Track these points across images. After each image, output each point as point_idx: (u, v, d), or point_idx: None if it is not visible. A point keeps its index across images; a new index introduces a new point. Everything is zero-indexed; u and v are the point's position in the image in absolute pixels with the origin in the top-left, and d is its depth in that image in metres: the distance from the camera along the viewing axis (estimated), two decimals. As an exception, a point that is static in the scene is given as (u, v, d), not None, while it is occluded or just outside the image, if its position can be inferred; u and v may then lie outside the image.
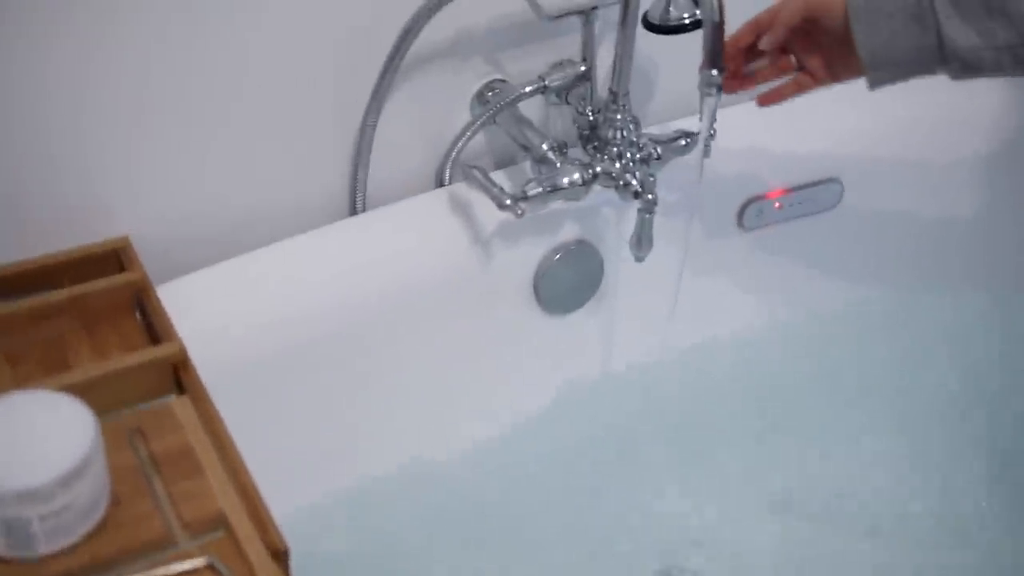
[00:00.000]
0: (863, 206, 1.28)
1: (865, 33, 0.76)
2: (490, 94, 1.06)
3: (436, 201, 1.06)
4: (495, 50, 1.05)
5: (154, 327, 0.84)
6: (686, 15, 0.94)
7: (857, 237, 1.30)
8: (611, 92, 0.96)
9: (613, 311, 1.20)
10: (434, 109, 1.05)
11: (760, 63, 0.88)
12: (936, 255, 1.32)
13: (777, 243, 1.27)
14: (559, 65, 1.08)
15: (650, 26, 0.93)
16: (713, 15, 0.79)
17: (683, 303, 1.20)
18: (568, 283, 1.14)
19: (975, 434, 1.16)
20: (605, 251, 1.15)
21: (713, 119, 0.86)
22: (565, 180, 0.97)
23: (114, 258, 0.90)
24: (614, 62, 0.94)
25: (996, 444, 1.15)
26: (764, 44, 0.85)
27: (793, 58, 0.86)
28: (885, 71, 0.78)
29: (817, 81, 0.85)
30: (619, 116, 0.97)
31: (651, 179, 0.96)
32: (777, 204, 1.25)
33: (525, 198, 0.96)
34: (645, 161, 1.01)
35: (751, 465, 1.14)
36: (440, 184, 1.09)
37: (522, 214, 0.94)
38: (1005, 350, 1.24)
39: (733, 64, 0.87)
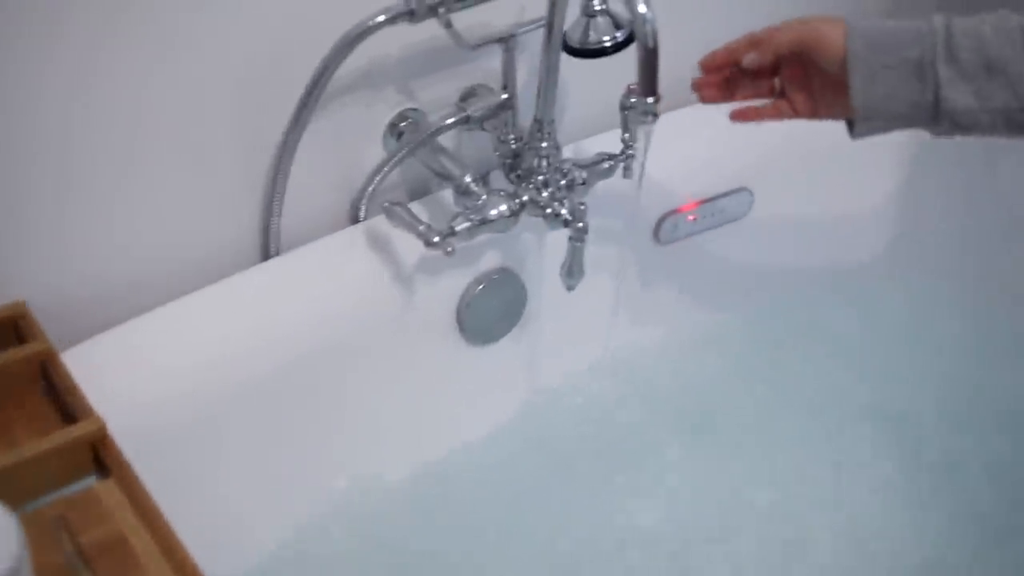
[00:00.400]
0: (773, 214, 1.29)
1: (862, 83, 0.74)
2: (403, 124, 1.02)
3: (353, 239, 1.02)
4: (406, 79, 1.00)
5: (65, 402, 0.77)
6: (606, 38, 0.91)
7: (768, 244, 1.31)
8: (535, 120, 0.93)
9: (539, 335, 1.17)
10: (346, 144, 1.00)
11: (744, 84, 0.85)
12: (846, 260, 1.35)
13: (693, 254, 1.27)
14: (473, 91, 1.05)
15: (570, 50, 0.91)
16: (647, 41, 0.76)
17: (605, 320, 1.19)
18: (493, 313, 1.11)
19: (887, 438, 1.18)
20: (527, 277, 1.12)
21: (648, 146, 0.84)
22: (493, 212, 0.94)
23: (11, 327, 0.82)
24: (538, 89, 0.91)
25: (906, 448, 1.17)
26: (747, 62, 0.82)
27: (777, 82, 0.84)
28: (875, 122, 0.76)
29: (796, 113, 0.82)
30: (544, 144, 0.94)
31: (581, 207, 0.93)
32: (691, 217, 1.24)
33: (453, 234, 0.92)
34: (570, 187, 0.98)
35: (687, 470, 1.14)
36: (355, 220, 1.04)
37: (452, 252, 0.90)
38: (916, 354, 1.27)
39: (718, 74, 0.85)
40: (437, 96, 1.04)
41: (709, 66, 0.85)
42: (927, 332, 1.29)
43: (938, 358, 1.26)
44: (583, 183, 0.99)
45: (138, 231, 0.91)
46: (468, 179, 0.96)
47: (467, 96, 1.05)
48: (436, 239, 0.90)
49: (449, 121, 0.94)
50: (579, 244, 0.94)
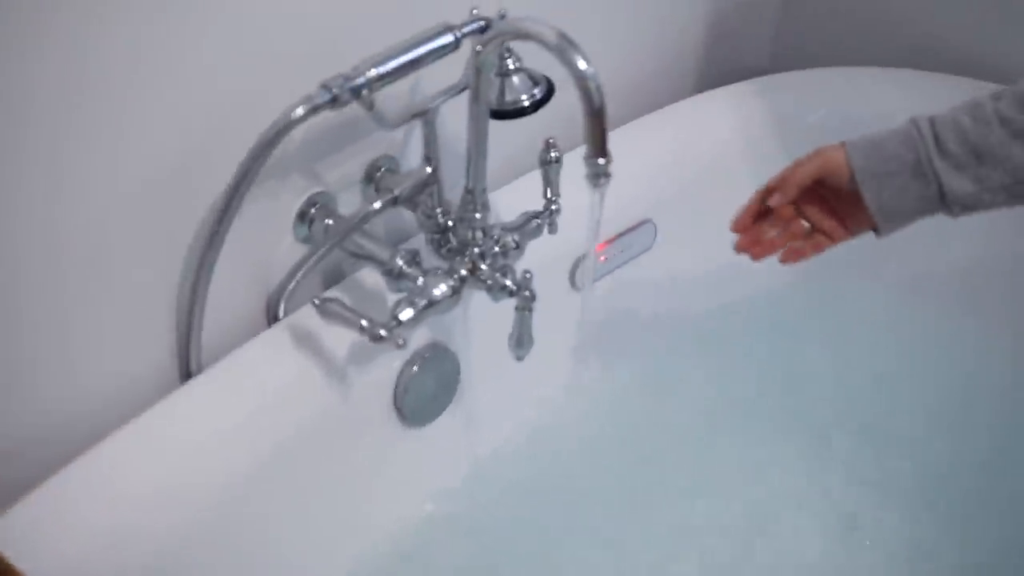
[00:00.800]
0: (676, 240, 1.28)
1: (873, 192, 0.81)
2: (313, 210, 0.95)
3: (276, 341, 0.94)
4: (309, 162, 0.93)
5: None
6: (524, 97, 0.87)
7: (674, 273, 1.30)
8: (467, 191, 0.88)
9: (476, 405, 1.12)
10: (257, 240, 0.92)
11: (771, 231, 0.90)
12: (754, 279, 1.35)
13: (609, 295, 1.25)
14: (376, 165, 0.98)
15: (490, 113, 0.87)
16: (593, 100, 0.73)
17: (541, 379, 1.15)
18: (429, 391, 1.05)
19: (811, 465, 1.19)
20: (457, 348, 1.07)
21: (601, 207, 0.80)
22: (436, 293, 0.88)
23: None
24: (468, 159, 0.86)
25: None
26: (773, 202, 0.87)
27: (804, 222, 0.88)
28: (894, 222, 0.83)
29: (835, 239, 0.88)
30: (478, 215, 0.89)
31: (527, 275, 0.88)
32: (602, 257, 1.22)
33: (399, 324, 0.85)
34: (505, 254, 0.93)
35: (638, 522, 1.11)
36: (275, 319, 0.95)
37: (404, 344, 0.84)
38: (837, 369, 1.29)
39: (748, 233, 0.90)
40: (342, 175, 0.97)
41: (741, 227, 0.90)
42: (844, 362, 1.30)
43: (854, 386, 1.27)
44: (516, 247, 0.94)
45: (45, 374, 0.80)
46: (400, 261, 0.89)
47: (372, 171, 0.99)
48: (383, 333, 0.83)
49: (376, 206, 0.87)
50: (527, 313, 0.90)
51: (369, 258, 0.92)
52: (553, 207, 0.99)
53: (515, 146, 1.03)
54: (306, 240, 0.97)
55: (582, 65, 0.72)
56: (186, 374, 0.90)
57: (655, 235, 1.28)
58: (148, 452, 0.84)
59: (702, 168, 1.28)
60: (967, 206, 0.79)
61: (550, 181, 0.97)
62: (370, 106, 0.78)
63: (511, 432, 1.17)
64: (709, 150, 1.28)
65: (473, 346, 1.08)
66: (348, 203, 0.99)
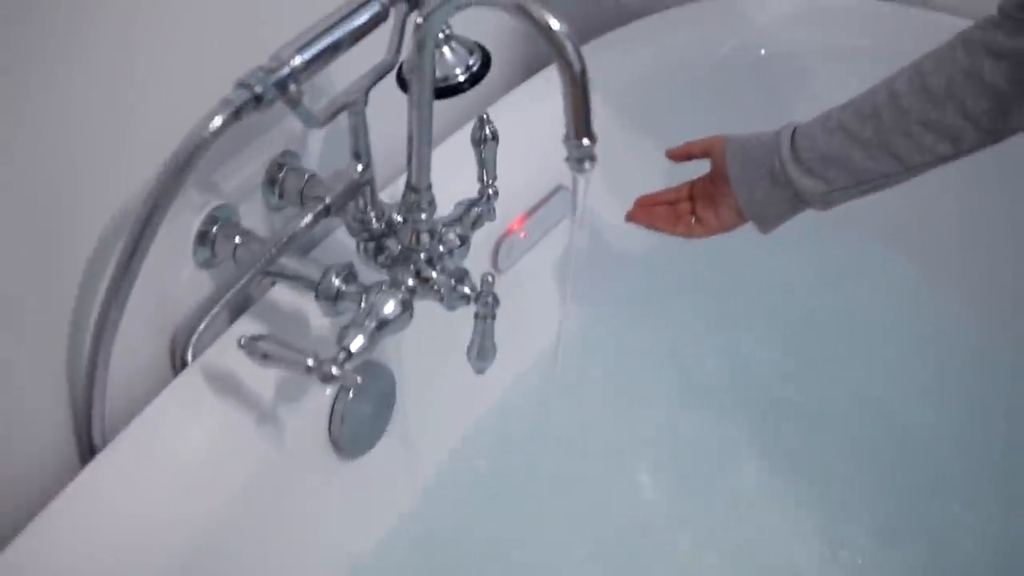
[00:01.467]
0: (592, 207, 1.18)
1: (745, 197, 0.89)
2: (214, 229, 0.79)
3: (189, 392, 0.78)
4: (202, 172, 0.77)
5: None
6: (459, 71, 0.74)
7: (598, 241, 1.20)
8: (410, 188, 0.74)
9: (415, 420, 0.99)
10: (151, 276, 0.75)
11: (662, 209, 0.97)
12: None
13: (531, 272, 1.14)
14: (278, 165, 0.83)
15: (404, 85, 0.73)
16: (574, 65, 0.61)
17: (477, 386, 1.03)
18: (366, 416, 0.92)
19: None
20: (390, 360, 0.93)
21: (585, 197, 0.68)
22: (386, 312, 0.74)
23: None
24: (409, 150, 0.72)
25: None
26: (669, 153, 0.97)
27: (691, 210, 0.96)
28: (769, 222, 0.90)
29: (707, 231, 0.94)
30: (423, 215, 0.75)
31: (489, 278, 0.76)
32: (523, 234, 1.10)
33: (350, 356, 0.71)
34: (451, 253, 0.80)
35: (596, 543, 1.03)
36: (183, 364, 0.79)
37: (360, 383, 0.70)
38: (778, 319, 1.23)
39: (643, 208, 0.98)
40: (241, 182, 0.81)
41: (644, 201, 0.98)
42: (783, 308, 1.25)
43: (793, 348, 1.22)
44: (461, 243, 0.81)
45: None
46: (336, 280, 0.75)
47: (273, 172, 0.84)
48: (335, 372, 0.69)
49: (306, 221, 0.72)
50: (490, 320, 0.78)
51: (294, 279, 0.77)
52: (490, 191, 0.86)
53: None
54: (208, 264, 0.81)
55: (554, 24, 0.60)
56: (88, 450, 0.73)
57: (566, 204, 1.17)
58: (53, 558, 0.68)
59: (608, 119, 1.17)
60: (826, 202, 0.87)
61: (486, 162, 0.84)
62: (297, 102, 0.63)
63: (456, 444, 1.05)
64: (614, 98, 1.18)
65: (407, 355, 0.95)
66: (252, 213, 0.83)
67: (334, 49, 0.64)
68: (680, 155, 0.96)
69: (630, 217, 0.98)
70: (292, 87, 0.61)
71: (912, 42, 0.87)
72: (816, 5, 1.25)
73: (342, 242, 0.90)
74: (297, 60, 0.61)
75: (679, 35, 1.22)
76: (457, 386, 1.02)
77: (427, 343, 0.91)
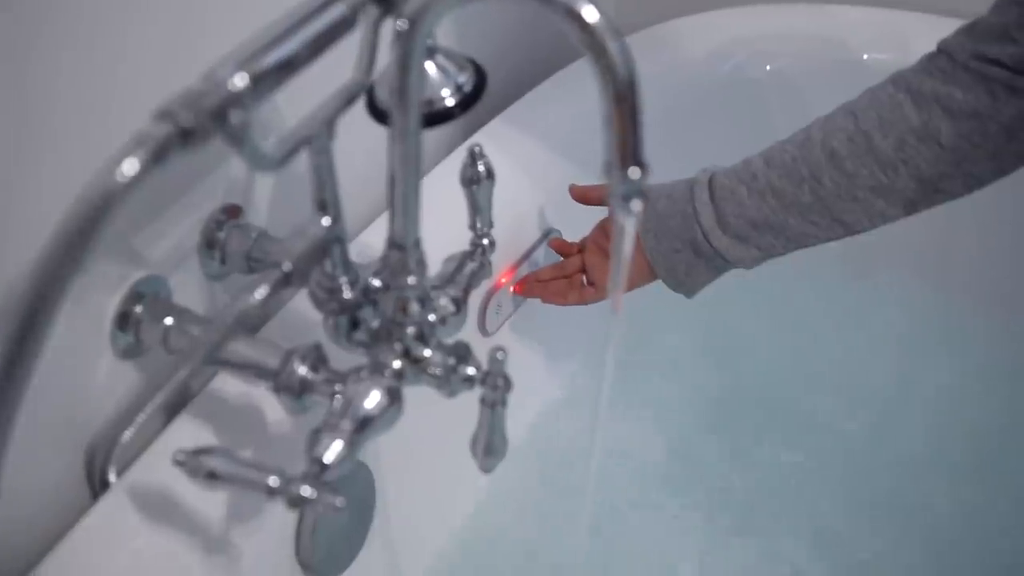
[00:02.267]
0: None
1: (664, 269, 0.81)
2: (139, 308, 0.62)
3: (115, 521, 0.60)
4: (122, 238, 0.60)
5: None
6: (446, 92, 0.58)
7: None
8: (394, 246, 0.57)
9: (399, 524, 0.82)
10: (57, 373, 0.57)
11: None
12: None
13: (519, 333, 0.97)
14: (219, 222, 0.66)
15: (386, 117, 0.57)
16: (622, 76, 0.45)
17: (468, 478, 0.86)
18: (341, 528, 0.74)
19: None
20: (366, 454, 0.76)
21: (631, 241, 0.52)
22: (368, 406, 0.57)
23: None
24: (392, 196, 0.55)
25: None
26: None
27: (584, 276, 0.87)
28: (693, 289, 0.82)
29: (600, 296, 0.86)
30: (411, 279, 0.58)
31: (499, 355, 0.59)
32: (512, 288, 0.94)
33: (324, 469, 0.54)
34: (443, 322, 0.64)
35: None
36: (103, 486, 0.61)
37: (342, 504, 0.53)
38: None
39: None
40: (171, 246, 0.64)
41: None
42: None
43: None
44: (456, 311, 0.65)
45: None
46: (301, 367, 0.58)
47: (212, 231, 0.66)
48: (307, 491, 0.52)
49: (258, 295, 0.54)
50: (500, 408, 0.61)
51: (245, 368, 0.60)
52: (485, 242, 0.70)
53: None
54: (132, 353, 0.63)
55: (590, 16, 0.44)
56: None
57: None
58: None
59: (595, 156, 1.01)
60: (757, 263, 0.79)
61: (480, 207, 0.68)
62: (241, 137, 0.46)
63: (444, 545, 0.88)
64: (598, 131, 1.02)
65: (387, 445, 0.78)
66: (186, 286, 0.66)
67: (287, 66, 0.47)
68: (579, 197, 0.87)
69: (520, 290, 0.91)
70: (233, 116, 0.44)
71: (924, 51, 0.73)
72: (820, 17, 1.11)
73: (304, 316, 0.73)
74: (238, 80, 0.44)
75: (681, 49, 1.07)
76: (447, 477, 0.86)
77: (410, 427, 0.74)
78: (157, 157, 0.42)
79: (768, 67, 1.08)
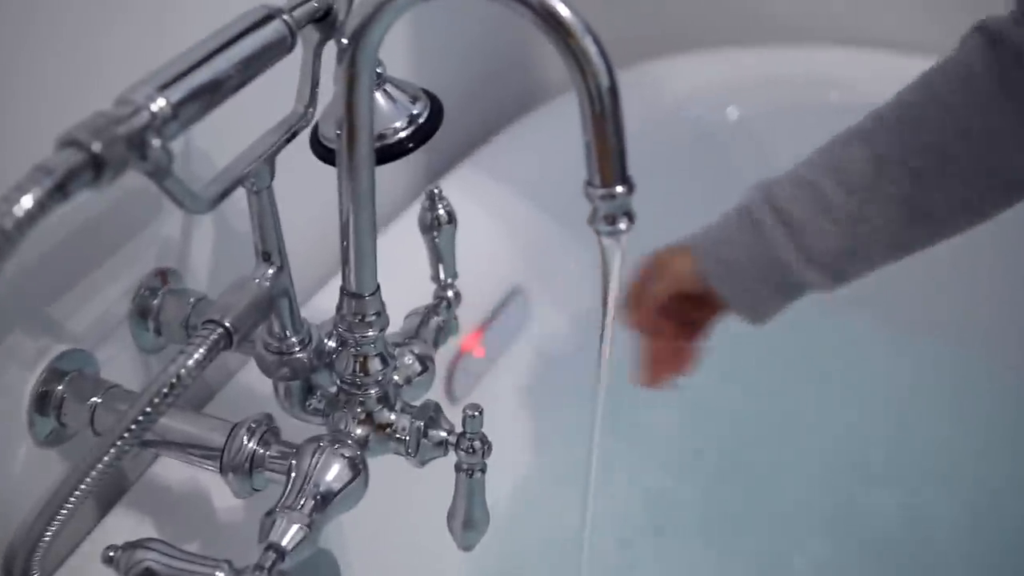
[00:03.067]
0: (552, 312, 0.96)
1: (750, 315, 0.74)
2: (60, 387, 0.54)
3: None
4: (37, 304, 0.53)
5: None
6: (399, 124, 0.52)
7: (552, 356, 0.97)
8: (348, 296, 0.51)
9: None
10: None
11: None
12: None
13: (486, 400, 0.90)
14: (152, 287, 0.59)
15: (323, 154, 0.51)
16: (602, 85, 0.40)
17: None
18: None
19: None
20: (330, 538, 0.68)
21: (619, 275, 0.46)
22: (331, 481, 0.50)
23: None
24: (344, 244, 0.49)
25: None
26: (632, 326, 0.79)
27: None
28: (773, 318, 0.75)
29: (695, 345, 0.79)
30: (371, 332, 0.51)
31: (474, 414, 0.52)
32: (479, 351, 0.88)
33: (282, 556, 0.47)
34: (409, 382, 0.57)
35: None
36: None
37: (304, 595, 0.45)
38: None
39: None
40: (98, 316, 0.57)
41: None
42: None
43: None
44: (423, 370, 0.58)
45: None
46: (250, 442, 0.51)
47: (145, 298, 0.59)
48: (263, 585, 0.44)
49: (191, 363, 0.47)
50: (479, 474, 0.54)
51: (187, 448, 0.52)
52: (450, 294, 0.63)
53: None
54: (55, 439, 0.56)
55: (564, 12, 0.39)
56: None
57: (526, 305, 0.95)
58: None
59: (567, 205, 0.96)
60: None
61: (442, 254, 0.62)
62: (165, 171, 0.39)
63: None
64: (571, 168, 0.97)
65: (352, 524, 0.70)
66: (116, 360, 0.58)
67: (213, 89, 0.41)
68: (647, 322, 0.78)
69: (648, 383, 0.80)
70: (154, 144, 0.38)
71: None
72: (781, 62, 1.08)
73: (251, 387, 0.66)
74: (161, 102, 0.38)
75: (647, 96, 1.03)
76: (421, 558, 0.78)
77: (378, 502, 0.66)
78: (60, 190, 0.35)
79: (736, 114, 1.05)
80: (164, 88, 0.39)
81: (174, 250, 0.61)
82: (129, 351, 0.59)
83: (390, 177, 0.61)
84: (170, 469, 0.60)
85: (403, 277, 0.61)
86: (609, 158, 0.42)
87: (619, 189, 0.42)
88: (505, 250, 0.90)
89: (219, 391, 0.66)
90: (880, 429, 1.02)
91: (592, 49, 0.39)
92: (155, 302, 0.59)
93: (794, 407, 1.04)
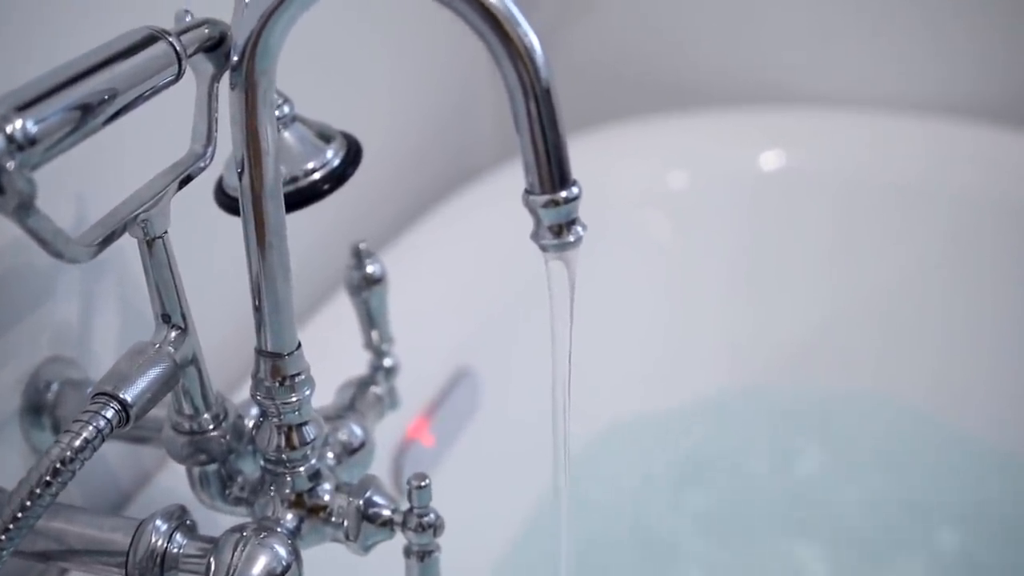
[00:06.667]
0: (504, 387, 0.90)
1: None
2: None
3: None
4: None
5: None
6: (312, 165, 0.47)
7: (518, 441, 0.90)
8: (266, 356, 0.44)
9: None
10: None
11: None
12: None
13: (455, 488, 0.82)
14: (43, 382, 0.52)
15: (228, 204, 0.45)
16: (540, 80, 0.35)
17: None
18: None
19: None
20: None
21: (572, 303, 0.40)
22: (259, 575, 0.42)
23: None
24: (257, 299, 0.43)
25: None
26: None
27: None
28: None
29: None
30: (295, 398, 0.45)
31: (420, 484, 0.45)
32: (428, 439, 0.80)
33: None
34: (348, 457, 0.50)
35: None
36: None
37: None
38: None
39: None
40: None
41: None
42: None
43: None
44: (360, 446, 0.51)
45: None
46: (159, 540, 0.43)
47: (40, 394, 0.52)
48: None
49: (73, 446, 0.39)
50: (434, 555, 0.46)
51: (87, 556, 0.45)
52: (386, 363, 0.57)
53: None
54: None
55: (502, 10, 0.35)
56: None
57: (475, 391, 0.88)
58: None
59: (519, 283, 0.91)
60: None
61: (374, 317, 0.56)
62: (27, 204, 0.33)
63: None
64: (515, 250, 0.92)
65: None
66: (6, 463, 0.50)
67: (84, 113, 0.35)
68: None
69: None
70: (8, 167, 0.32)
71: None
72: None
73: (174, 491, 0.58)
74: (18, 123, 0.32)
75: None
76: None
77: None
78: None
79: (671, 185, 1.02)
80: (23, 109, 0.33)
81: (71, 336, 0.54)
82: (19, 452, 0.51)
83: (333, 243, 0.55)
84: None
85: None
86: (550, 160, 0.37)
87: (563, 194, 0.37)
88: (450, 325, 0.83)
89: (135, 496, 0.58)
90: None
91: (528, 40, 0.35)
92: (49, 396, 0.52)
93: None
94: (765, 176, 1.04)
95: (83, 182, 0.50)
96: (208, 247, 0.53)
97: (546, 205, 0.37)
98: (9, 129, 0.33)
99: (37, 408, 0.52)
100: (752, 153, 1.04)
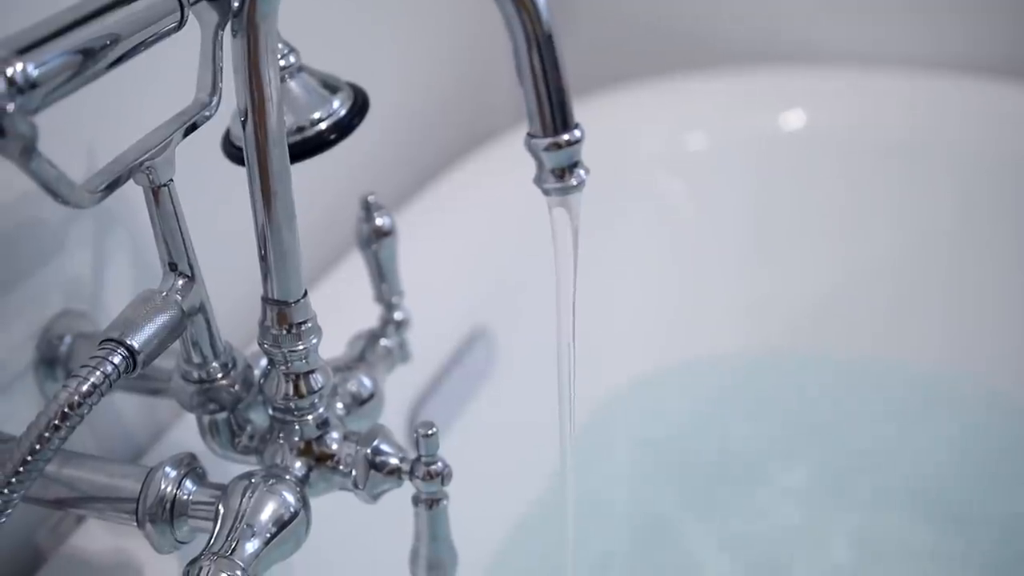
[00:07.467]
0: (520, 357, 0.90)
1: None
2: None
3: None
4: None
5: None
6: (318, 115, 0.47)
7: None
8: (272, 304, 0.44)
9: None
10: None
11: None
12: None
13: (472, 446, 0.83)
14: (56, 332, 0.52)
15: (234, 154, 0.45)
16: (542, 25, 0.35)
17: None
18: None
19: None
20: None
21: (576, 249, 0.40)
22: (267, 521, 0.43)
23: None
24: (263, 248, 0.43)
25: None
26: None
27: None
28: None
29: None
30: (302, 346, 0.45)
31: (428, 433, 0.45)
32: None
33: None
34: (360, 407, 0.50)
35: None
36: None
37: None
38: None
39: None
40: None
41: None
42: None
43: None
44: (370, 397, 0.51)
45: None
46: (169, 487, 0.44)
47: (52, 347, 0.53)
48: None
49: (80, 391, 0.40)
50: (443, 504, 0.47)
51: (97, 502, 0.45)
52: (396, 316, 0.57)
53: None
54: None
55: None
56: None
57: (487, 353, 0.88)
58: None
59: (535, 246, 0.91)
60: None
61: (384, 271, 0.56)
62: (30, 147, 0.33)
63: None
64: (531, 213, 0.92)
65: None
66: (19, 413, 0.51)
67: (85, 58, 0.35)
68: None
69: None
70: (8, 109, 0.32)
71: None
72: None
73: (187, 444, 0.58)
74: (18, 66, 0.33)
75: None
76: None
77: (323, 548, 0.58)
78: None
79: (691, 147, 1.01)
80: (23, 52, 0.34)
81: (84, 290, 0.55)
82: (33, 403, 0.52)
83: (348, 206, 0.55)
84: (92, 538, 0.53)
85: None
86: (552, 103, 0.36)
87: (565, 137, 0.37)
88: (465, 286, 0.84)
89: (149, 449, 0.59)
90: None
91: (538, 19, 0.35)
92: (63, 349, 0.53)
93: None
94: (785, 137, 1.03)
95: (95, 132, 0.51)
96: (225, 208, 0.53)
97: (548, 148, 0.37)
98: (9, 72, 0.33)
99: (51, 361, 0.52)
100: (772, 114, 1.03)
